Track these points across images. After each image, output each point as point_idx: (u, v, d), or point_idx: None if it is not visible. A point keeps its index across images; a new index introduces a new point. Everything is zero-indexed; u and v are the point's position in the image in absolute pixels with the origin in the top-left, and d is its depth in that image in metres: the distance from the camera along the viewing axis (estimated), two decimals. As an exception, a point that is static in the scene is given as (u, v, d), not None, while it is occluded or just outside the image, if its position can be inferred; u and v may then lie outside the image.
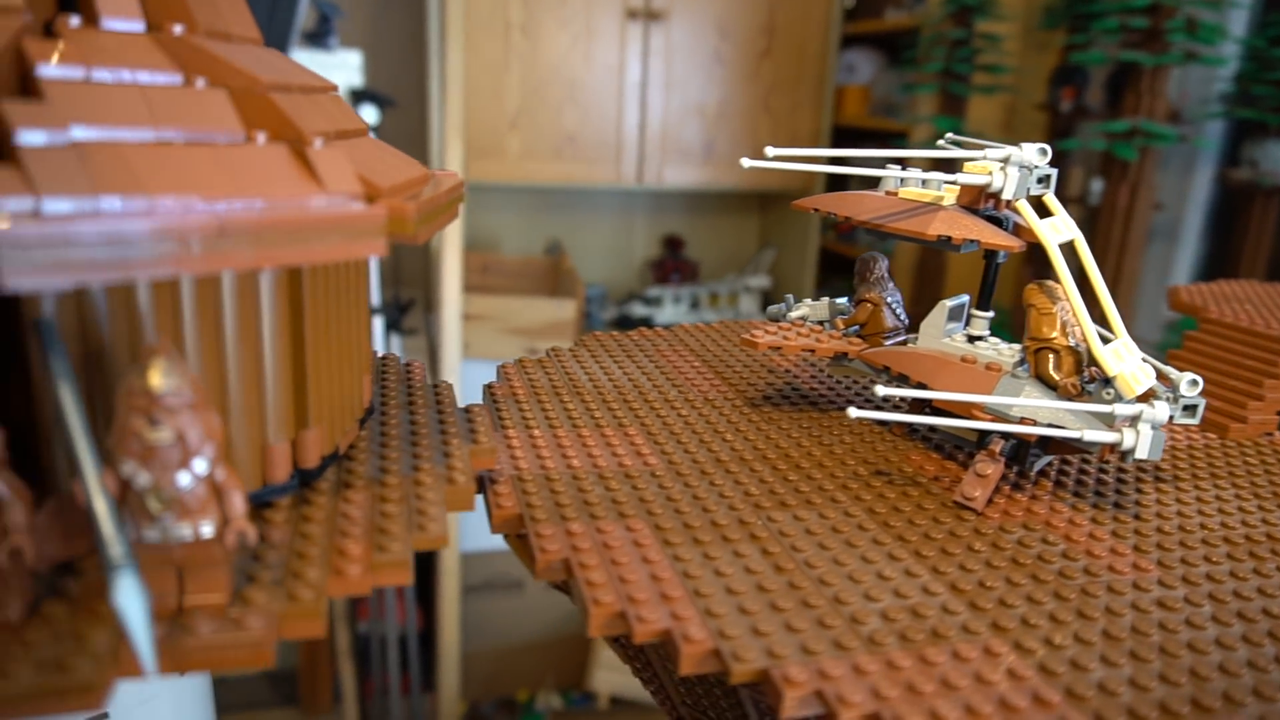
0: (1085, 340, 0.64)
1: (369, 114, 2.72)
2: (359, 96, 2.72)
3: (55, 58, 0.40)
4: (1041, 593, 0.56)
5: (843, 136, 3.64)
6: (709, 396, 0.84)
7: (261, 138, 0.45)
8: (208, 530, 0.39)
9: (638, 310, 3.68)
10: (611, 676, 3.12)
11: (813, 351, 0.76)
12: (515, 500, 0.61)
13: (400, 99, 3.29)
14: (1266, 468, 0.78)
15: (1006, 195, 0.65)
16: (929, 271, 3.19)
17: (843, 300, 0.80)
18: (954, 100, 3.02)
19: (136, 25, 0.45)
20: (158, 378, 0.37)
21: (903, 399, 0.74)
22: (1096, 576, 0.58)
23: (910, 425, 0.77)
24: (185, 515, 0.38)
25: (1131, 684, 0.48)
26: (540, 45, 3.24)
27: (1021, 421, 0.64)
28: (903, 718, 0.44)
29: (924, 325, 0.73)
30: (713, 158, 3.54)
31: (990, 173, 0.66)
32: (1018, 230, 0.69)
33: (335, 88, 0.58)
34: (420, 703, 3.04)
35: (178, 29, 0.47)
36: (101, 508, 0.36)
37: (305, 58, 2.55)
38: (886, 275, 0.77)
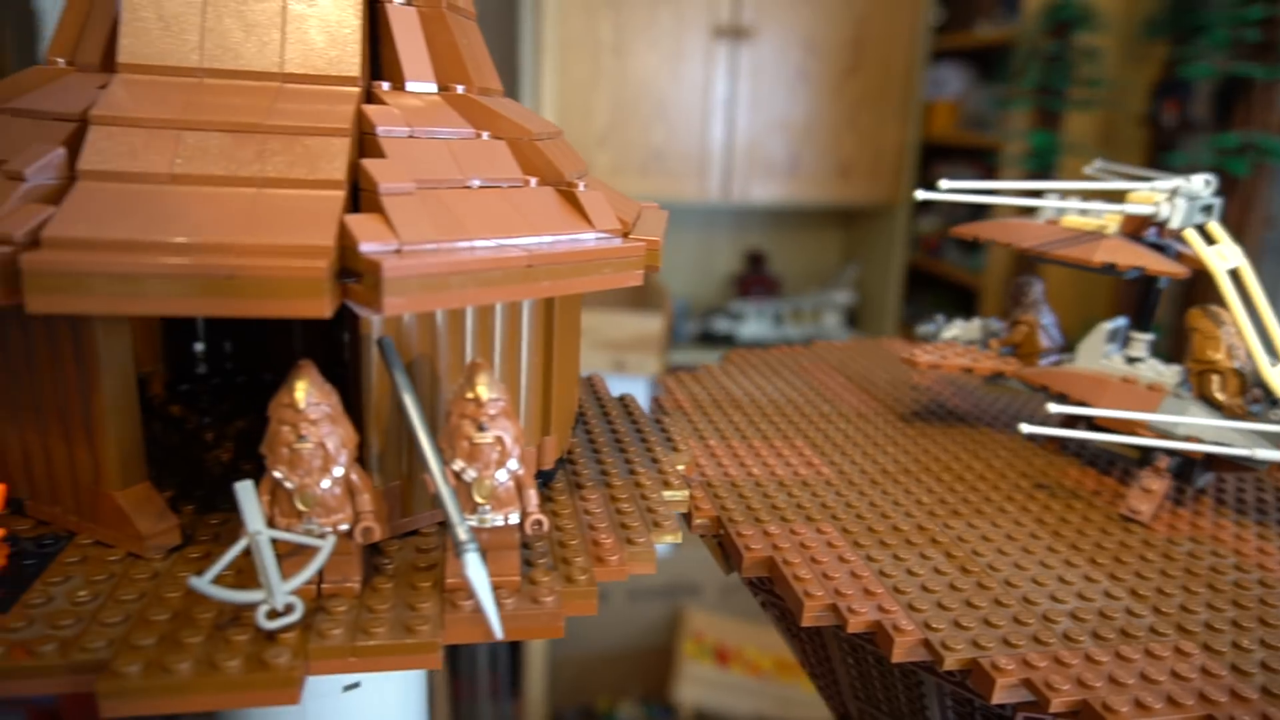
0: (1253, 362, 0.67)
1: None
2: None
3: (390, 120, 0.48)
4: (1220, 601, 0.59)
5: (931, 152, 3.64)
6: (860, 411, 0.89)
7: (533, 181, 0.53)
8: (515, 518, 0.46)
9: (720, 325, 3.73)
10: (695, 690, 3.15)
11: (969, 370, 0.81)
12: (712, 504, 0.67)
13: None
14: None
15: (1174, 225, 0.69)
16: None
17: (995, 322, 0.85)
18: (1049, 115, 3.00)
19: (431, 87, 0.54)
20: (484, 389, 0.44)
21: (1051, 416, 0.79)
22: (1272, 589, 0.61)
23: (1061, 441, 0.81)
24: (499, 506, 0.46)
25: (1323, 686, 0.51)
26: (629, 65, 3.33)
27: (1188, 439, 0.68)
28: (1111, 706, 0.48)
29: (1082, 347, 0.77)
30: (798, 173, 3.58)
31: (1156, 202, 0.70)
32: (1180, 257, 0.73)
33: (561, 131, 0.66)
34: (506, 707, 3.13)
35: (460, 89, 0.55)
36: (448, 497, 0.43)
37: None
38: (1041, 298, 0.81)
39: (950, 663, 0.52)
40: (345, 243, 0.42)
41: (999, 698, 0.51)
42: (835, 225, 4.08)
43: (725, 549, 0.65)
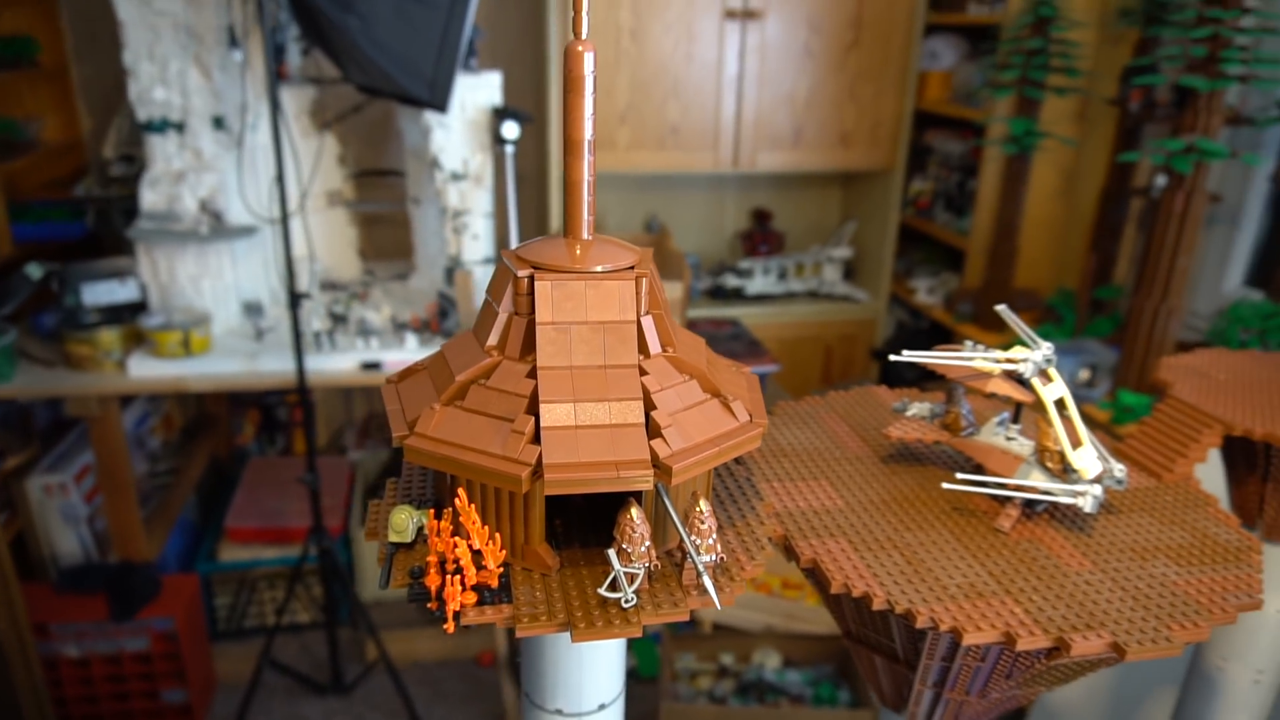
0: (1063, 448, 1.41)
1: (511, 129, 3.39)
2: (501, 114, 3.40)
3: (654, 385, 1.18)
4: (1031, 575, 1.34)
5: (924, 121, 4.27)
6: (858, 455, 1.62)
7: (708, 398, 1.23)
8: (715, 558, 1.19)
9: (730, 281, 4.42)
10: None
11: (920, 440, 1.54)
12: (780, 527, 1.40)
13: (524, 106, 3.99)
14: (1176, 502, 1.55)
15: (1025, 374, 1.41)
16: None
17: (939, 407, 1.57)
18: (1029, 103, 3.64)
19: (659, 351, 1.23)
20: (704, 504, 1.16)
21: (960, 478, 1.52)
22: (1062, 569, 1.36)
23: (976, 485, 1.55)
24: (709, 551, 1.18)
25: (1064, 619, 1.26)
26: (647, 47, 3.90)
27: (1031, 490, 1.41)
28: (965, 627, 1.23)
29: (984, 428, 1.50)
30: (801, 143, 4.21)
31: (1017, 360, 1.41)
32: (1033, 388, 1.45)
33: (703, 343, 1.35)
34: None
35: (670, 350, 1.24)
36: (692, 551, 1.16)
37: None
38: (962, 396, 1.53)
39: (899, 611, 1.26)
40: (652, 453, 1.13)
41: (919, 624, 1.25)
42: (835, 185, 4.73)
43: (790, 552, 1.39)
